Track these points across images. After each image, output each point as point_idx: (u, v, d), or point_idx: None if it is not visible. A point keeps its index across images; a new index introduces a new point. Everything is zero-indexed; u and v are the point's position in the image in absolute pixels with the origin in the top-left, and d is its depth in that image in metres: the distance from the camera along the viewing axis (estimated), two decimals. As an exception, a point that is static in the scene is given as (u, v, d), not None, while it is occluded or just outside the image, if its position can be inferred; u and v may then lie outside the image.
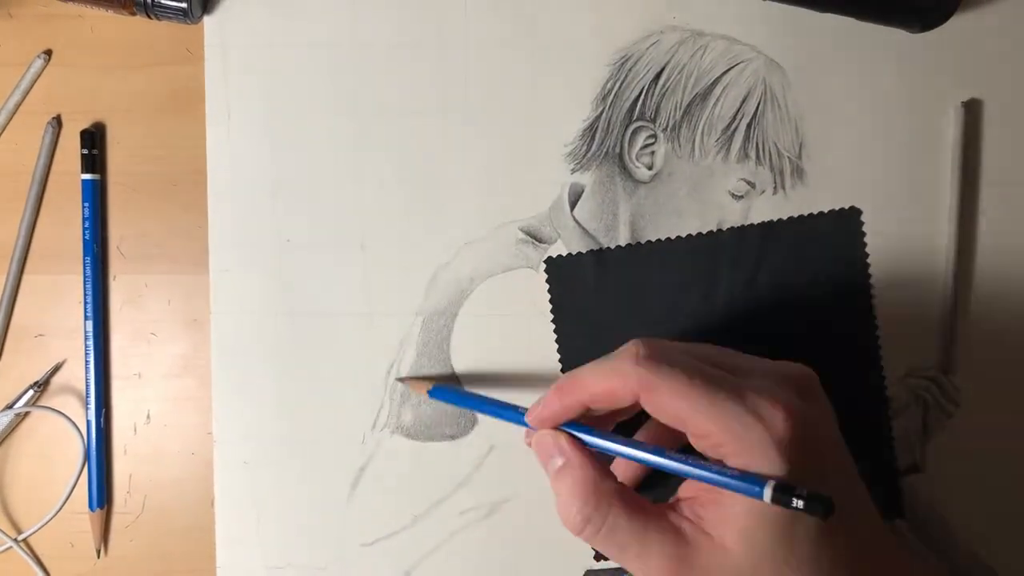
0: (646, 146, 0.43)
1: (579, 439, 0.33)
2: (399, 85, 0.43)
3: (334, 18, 0.43)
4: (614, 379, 0.31)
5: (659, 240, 0.43)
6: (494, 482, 0.43)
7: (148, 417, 0.45)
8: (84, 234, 0.44)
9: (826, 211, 0.43)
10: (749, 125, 0.43)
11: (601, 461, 0.33)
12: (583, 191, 0.43)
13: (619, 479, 0.33)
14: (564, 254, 0.43)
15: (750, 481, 0.28)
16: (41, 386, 0.44)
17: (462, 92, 0.43)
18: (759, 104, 0.43)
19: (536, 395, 0.35)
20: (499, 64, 0.43)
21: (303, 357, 0.43)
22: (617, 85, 0.43)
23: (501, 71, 0.43)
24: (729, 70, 0.43)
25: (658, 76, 0.43)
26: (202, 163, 0.44)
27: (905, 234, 0.43)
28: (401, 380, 0.43)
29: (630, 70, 0.43)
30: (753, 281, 0.42)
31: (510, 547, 0.43)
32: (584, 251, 0.43)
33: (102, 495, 0.44)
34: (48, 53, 0.44)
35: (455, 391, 0.41)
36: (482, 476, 0.43)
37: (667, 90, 0.43)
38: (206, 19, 0.43)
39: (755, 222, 0.43)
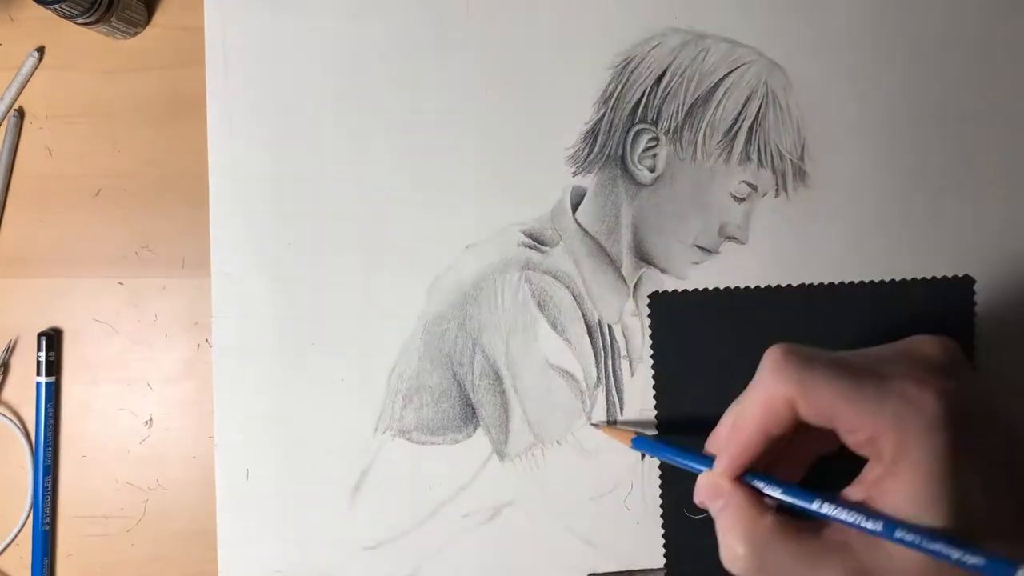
0: (648, 149, 0.43)
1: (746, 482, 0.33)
2: (401, 88, 0.43)
3: (335, 22, 0.43)
4: (771, 390, 0.31)
5: (768, 287, 0.43)
6: (496, 486, 0.43)
7: (150, 421, 0.45)
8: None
9: (939, 277, 0.42)
10: (751, 127, 0.43)
11: (759, 498, 0.32)
12: (585, 194, 0.43)
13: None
14: (669, 290, 0.43)
15: (999, 565, 0.27)
16: None
17: (463, 95, 0.43)
18: (761, 106, 0.43)
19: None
20: (501, 67, 0.43)
21: (305, 361, 0.43)
22: (619, 88, 0.43)
23: (503, 74, 0.43)
24: (731, 72, 0.43)
25: (660, 79, 0.43)
26: (204, 166, 0.43)
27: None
28: (595, 425, 0.43)
29: (632, 72, 0.43)
30: (859, 336, 0.42)
31: (512, 551, 0.43)
32: (691, 289, 0.43)
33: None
34: (40, 50, 0.44)
35: (656, 442, 0.40)
36: (484, 480, 0.43)
37: (669, 92, 0.43)
38: (207, 22, 0.43)
39: (871, 280, 0.42)
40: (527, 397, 0.43)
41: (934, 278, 0.42)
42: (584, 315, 0.43)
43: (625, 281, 0.43)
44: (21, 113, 0.45)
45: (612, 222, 0.43)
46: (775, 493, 0.32)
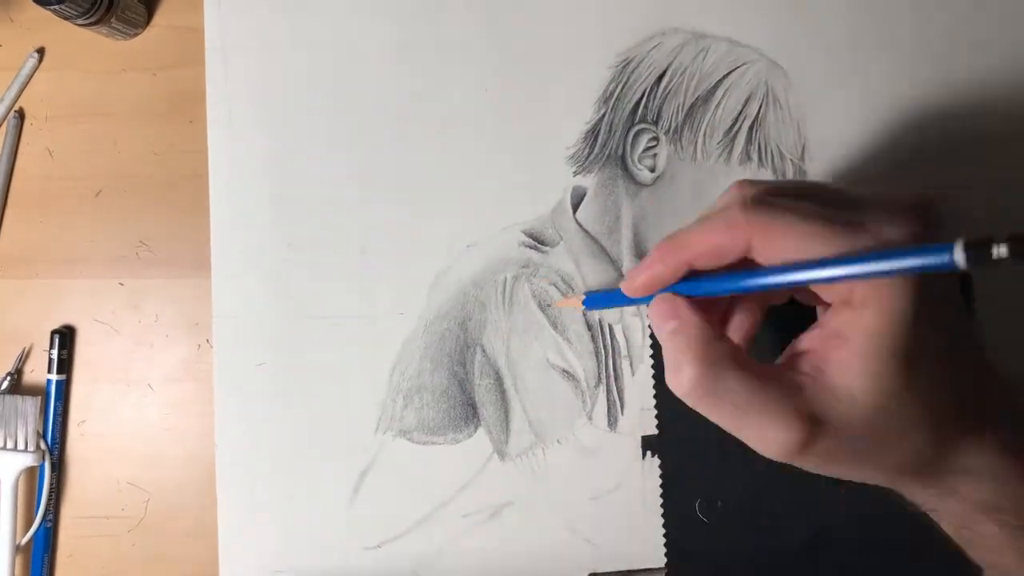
0: (648, 148, 0.43)
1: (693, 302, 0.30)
2: (400, 88, 0.43)
3: (335, 21, 0.43)
4: (723, 231, 0.28)
5: None
6: (497, 485, 0.43)
7: (150, 421, 0.45)
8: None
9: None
10: (751, 127, 0.43)
11: (714, 324, 0.30)
12: (585, 194, 0.43)
13: (735, 336, 0.31)
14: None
15: (934, 251, 0.24)
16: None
17: (464, 95, 0.43)
18: (761, 106, 0.43)
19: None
20: (501, 67, 0.43)
21: (305, 361, 0.43)
22: (619, 88, 0.43)
23: (503, 74, 0.43)
24: (731, 72, 0.43)
25: (660, 78, 0.43)
26: (203, 167, 0.43)
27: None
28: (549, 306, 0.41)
29: (632, 72, 0.43)
30: None
31: (513, 550, 0.43)
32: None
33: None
34: (40, 51, 0.44)
35: (604, 293, 0.38)
36: (485, 479, 0.43)
37: (669, 92, 0.43)
38: (207, 22, 0.43)
39: None
40: (528, 397, 0.43)
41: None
42: (584, 315, 0.43)
43: (625, 281, 0.43)
44: (21, 114, 0.45)
45: (612, 222, 0.43)
46: (707, 285, 0.30)
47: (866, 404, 0.28)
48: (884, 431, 0.28)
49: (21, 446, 0.43)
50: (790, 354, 0.30)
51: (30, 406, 0.43)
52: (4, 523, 0.43)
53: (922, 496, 0.31)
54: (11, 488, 0.43)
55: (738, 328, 0.33)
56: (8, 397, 0.44)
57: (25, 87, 0.45)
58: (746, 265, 0.29)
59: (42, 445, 0.44)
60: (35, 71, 0.45)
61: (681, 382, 0.29)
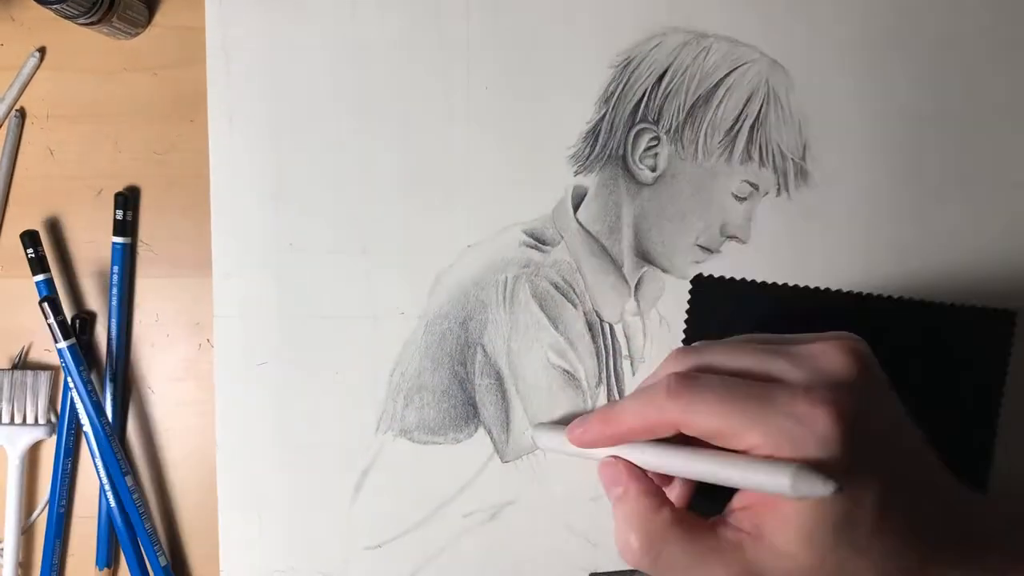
0: (649, 148, 0.43)
1: (637, 467, 0.34)
2: (401, 87, 0.43)
3: (335, 21, 0.43)
4: (652, 414, 0.32)
5: (808, 287, 0.42)
6: (497, 485, 0.43)
7: (151, 421, 0.45)
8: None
9: (980, 307, 0.42)
10: (752, 127, 0.43)
11: (658, 489, 0.33)
12: (586, 193, 0.43)
13: (677, 491, 0.34)
14: (715, 275, 0.43)
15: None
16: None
17: (464, 94, 0.43)
18: (762, 105, 0.43)
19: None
20: (501, 66, 0.43)
21: (306, 360, 0.43)
22: (620, 87, 0.43)
23: (503, 73, 0.43)
24: (732, 71, 0.43)
25: (661, 78, 0.43)
26: (204, 166, 0.43)
27: (909, 235, 0.43)
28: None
29: (633, 72, 0.43)
30: (892, 352, 0.42)
31: (514, 550, 0.43)
32: (737, 278, 0.43)
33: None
34: (41, 51, 0.44)
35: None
36: (485, 479, 0.43)
37: (670, 92, 0.43)
38: (208, 21, 0.43)
39: (913, 297, 0.42)
40: (528, 397, 0.43)
41: (972, 307, 0.42)
42: (585, 315, 0.43)
43: (626, 281, 0.43)
44: (22, 113, 0.45)
45: (613, 221, 0.43)
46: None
47: (806, 562, 0.29)
48: (822, 568, 0.29)
49: (31, 420, 0.44)
50: (731, 508, 0.32)
51: (42, 381, 0.44)
52: (12, 497, 0.43)
53: None
54: (19, 462, 0.43)
55: (680, 484, 0.36)
56: (18, 372, 0.44)
57: (26, 86, 0.45)
58: (680, 438, 0.32)
59: (52, 419, 0.44)
60: (36, 70, 0.45)
61: (627, 551, 0.32)
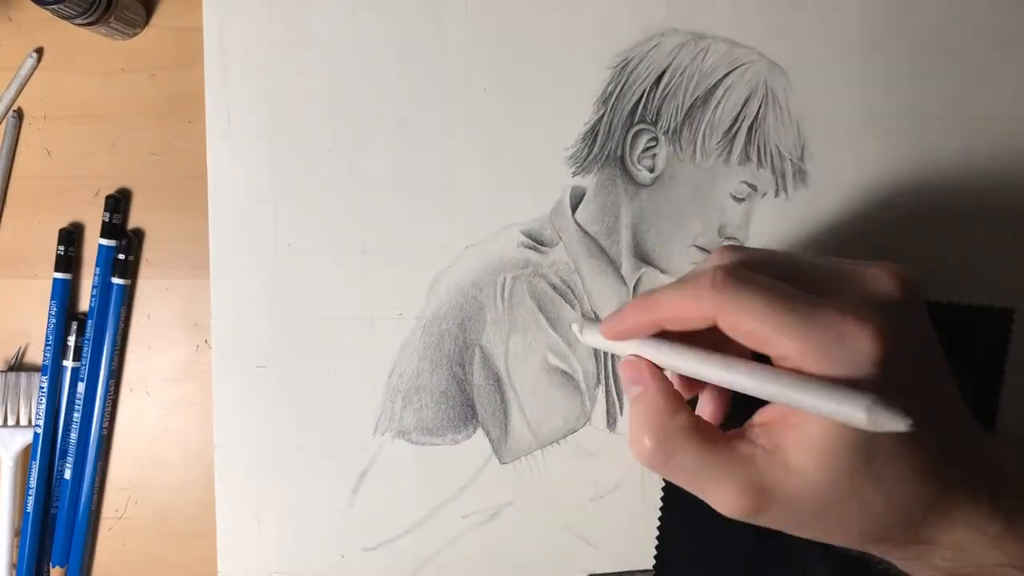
0: (647, 149, 0.43)
1: (658, 368, 0.32)
2: (399, 88, 0.43)
3: (333, 22, 0.43)
4: (690, 303, 0.30)
5: None
6: (496, 486, 0.43)
7: (149, 422, 0.45)
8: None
9: (976, 306, 0.42)
10: (750, 127, 0.43)
11: (677, 393, 0.32)
12: (584, 194, 0.43)
13: (708, 407, 0.33)
14: None
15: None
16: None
17: (462, 95, 0.43)
18: (760, 106, 0.43)
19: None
20: (500, 67, 0.43)
21: (304, 362, 0.43)
22: (618, 88, 0.43)
23: (502, 74, 0.43)
24: (730, 72, 0.43)
25: (659, 79, 0.43)
26: (202, 167, 0.43)
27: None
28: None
29: (631, 73, 0.43)
30: None
31: (512, 551, 0.43)
32: None
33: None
34: (39, 51, 0.44)
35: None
36: (484, 480, 0.43)
37: (668, 93, 0.43)
38: (206, 22, 0.43)
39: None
40: (527, 398, 0.43)
41: (970, 305, 0.42)
42: (583, 316, 0.43)
43: (624, 282, 0.43)
44: (20, 114, 0.45)
45: (611, 222, 0.43)
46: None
47: (818, 482, 0.28)
48: (840, 505, 0.29)
49: (24, 422, 0.44)
50: (751, 423, 0.31)
51: (36, 383, 0.44)
52: (4, 498, 0.43)
53: (893, 558, 0.31)
54: (12, 463, 0.43)
55: (711, 396, 0.35)
56: (12, 374, 0.44)
57: (24, 87, 0.45)
58: (714, 335, 0.31)
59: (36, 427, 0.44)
60: (34, 71, 0.45)
61: (640, 451, 0.31)
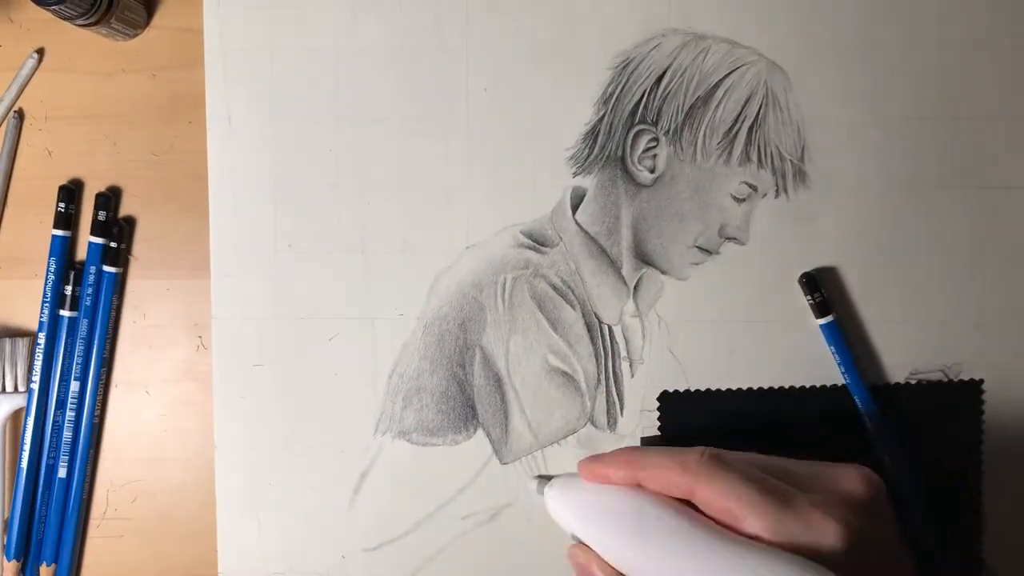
0: (648, 149, 0.43)
1: (606, 563, 0.34)
2: (399, 88, 0.43)
3: (334, 23, 0.43)
4: (675, 469, 0.33)
5: (773, 388, 0.43)
6: (496, 487, 0.43)
7: (149, 422, 0.45)
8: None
9: (946, 381, 0.42)
10: (751, 128, 0.43)
11: None
12: (585, 194, 0.43)
13: None
14: (679, 390, 0.43)
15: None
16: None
17: (463, 96, 0.43)
18: (761, 107, 0.43)
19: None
20: (500, 67, 0.43)
21: (304, 362, 0.43)
22: (619, 88, 0.43)
23: (502, 74, 0.43)
24: (731, 73, 0.43)
25: (660, 79, 0.43)
26: (203, 168, 0.43)
27: (908, 237, 0.43)
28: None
29: (632, 73, 0.43)
30: (867, 443, 0.42)
31: (512, 552, 0.43)
32: (702, 389, 0.43)
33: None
34: (40, 52, 0.44)
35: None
36: (484, 481, 0.43)
37: (669, 93, 0.43)
38: (206, 23, 0.43)
39: (874, 383, 0.42)
40: (527, 398, 0.43)
41: (940, 382, 0.42)
42: (584, 316, 0.43)
43: (625, 282, 0.43)
44: (21, 114, 0.45)
45: (612, 223, 0.43)
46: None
47: None
48: None
49: (10, 388, 0.44)
50: None
51: (20, 347, 0.44)
52: None
53: None
54: (0, 428, 0.44)
55: None
56: None
57: (24, 87, 0.45)
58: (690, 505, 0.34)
59: (32, 386, 0.44)
60: (35, 71, 0.45)
61: None
